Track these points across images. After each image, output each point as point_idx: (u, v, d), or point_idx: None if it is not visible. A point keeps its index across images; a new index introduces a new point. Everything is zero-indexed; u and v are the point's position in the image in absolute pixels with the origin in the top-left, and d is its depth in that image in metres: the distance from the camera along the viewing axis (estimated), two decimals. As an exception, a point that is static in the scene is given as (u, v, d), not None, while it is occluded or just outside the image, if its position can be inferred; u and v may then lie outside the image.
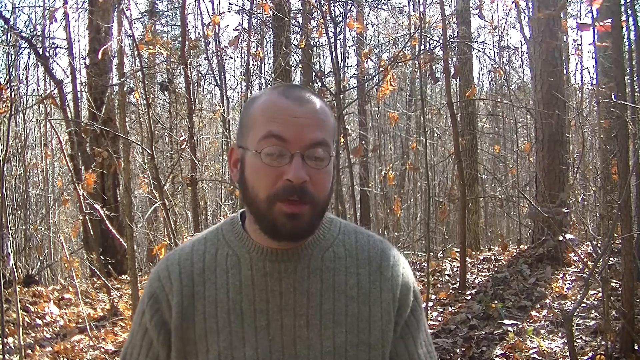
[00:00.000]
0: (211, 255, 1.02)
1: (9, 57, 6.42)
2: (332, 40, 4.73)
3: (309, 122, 0.94)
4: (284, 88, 0.99)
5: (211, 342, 0.98)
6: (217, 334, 0.98)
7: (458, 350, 3.75)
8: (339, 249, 1.02)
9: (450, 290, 5.10)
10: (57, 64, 11.88)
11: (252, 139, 0.95)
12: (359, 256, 1.03)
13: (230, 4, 11.18)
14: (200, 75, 9.01)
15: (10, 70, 4.97)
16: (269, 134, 0.93)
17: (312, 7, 6.00)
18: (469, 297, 4.86)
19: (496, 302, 4.48)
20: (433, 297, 4.87)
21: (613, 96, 3.33)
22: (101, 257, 6.02)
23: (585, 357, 3.37)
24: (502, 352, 3.64)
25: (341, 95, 4.74)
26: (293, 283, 0.98)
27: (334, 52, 4.71)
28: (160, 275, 1.02)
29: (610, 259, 4.39)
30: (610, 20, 3.21)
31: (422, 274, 5.57)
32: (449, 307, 4.69)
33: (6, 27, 6.82)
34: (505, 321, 4.06)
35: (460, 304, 4.73)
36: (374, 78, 6.26)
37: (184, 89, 6.90)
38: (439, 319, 4.43)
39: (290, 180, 0.91)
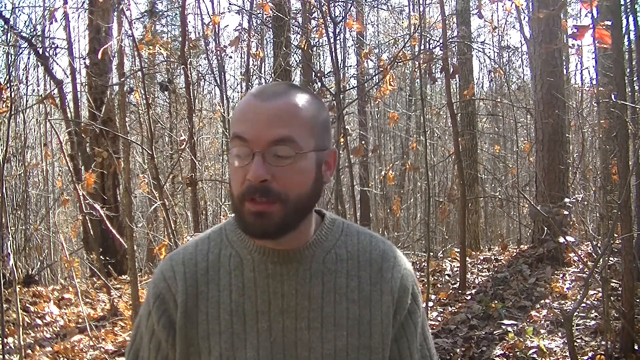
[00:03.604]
0: (215, 255, 1.02)
1: (9, 57, 6.44)
2: (332, 40, 4.73)
3: (270, 119, 0.92)
4: (261, 86, 0.99)
5: (213, 343, 0.98)
6: (220, 335, 0.98)
7: (458, 350, 3.75)
8: (340, 251, 1.02)
9: (450, 290, 5.10)
10: (57, 64, 11.88)
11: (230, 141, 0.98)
12: (360, 258, 1.02)
13: (230, 4, 11.16)
14: (200, 75, 9.01)
15: (10, 70, 4.98)
16: (234, 135, 0.94)
17: (312, 7, 6.00)
18: (469, 297, 4.86)
19: (496, 302, 4.48)
20: (433, 297, 4.87)
21: (613, 96, 3.33)
22: (101, 257, 6.02)
23: (585, 357, 3.37)
24: (502, 352, 3.64)
25: (341, 95, 4.74)
26: (295, 285, 0.98)
27: (333, 52, 4.71)
28: (166, 276, 1.02)
29: (610, 259, 4.39)
30: (610, 21, 3.21)
31: (422, 274, 5.57)
32: (449, 307, 4.69)
33: (6, 27, 6.83)
34: (505, 321, 4.06)
35: (460, 304, 4.73)
36: (374, 78, 6.27)
37: (184, 89, 6.90)
38: (439, 319, 4.43)
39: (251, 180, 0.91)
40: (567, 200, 4.83)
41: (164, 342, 1.01)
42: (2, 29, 7.06)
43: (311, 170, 0.94)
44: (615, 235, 3.89)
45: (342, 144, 4.76)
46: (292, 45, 7.80)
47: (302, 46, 5.96)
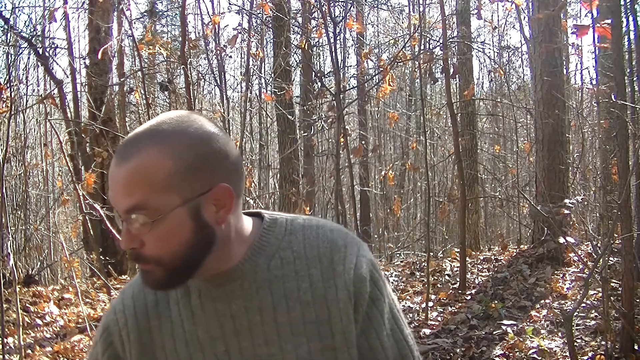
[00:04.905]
0: None
1: (9, 57, 6.44)
2: (332, 40, 4.74)
3: (122, 187, 0.86)
4: (125, 140, 0.90)
5: None
6: None
7: (458, 350, 3.75)
8: (286, 253, 0.96)
9: (450, 290, 5.10)
10: (57, 64, 11.86)
11: None
12: (308, 255, 0.96)
13: (230, 4, 11.16)
14: (200, 75, 9.00)
15: (10, 70, 4.98)
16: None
17: (312, 7, 6.01)
18: (469, 297, 4.86)
19: (496, 302, 4.48)
20: (433, 297, 4.87)
21: (613, 96, 3.33)
22: (101, 257, 6.02)
23: (585, 357, 3.37)
24: (502, 352, 3.64)
25: (341, 95, 4.74)
26: (243, 303, 0.94)
27: (334, 52, 4.72)
28: (116, 309, 1.01)
29: (610, 259, 4.39)
30: (610, 20, 3.21)
31: (422, 274, 5.58)
32: (449, 307, 4.69)
33: (6, 27, 6.83)
34: (505, 321, 4.06)
35: (460, 304, 4.74)
36: (374, 78, 6.27)
37: (184, 89, 6.89)
38: (439, 319, 4.43)
39: None
40: (567, 200, 4.83)
41: None
42: (2, 29, 7.06)
43: (182, 226, 0.87)
44: (615, 235, 3.89)
45: (342, 144, 4.77)
46: (292, 45, 7.80)
47: (302, 46, 5.97)
